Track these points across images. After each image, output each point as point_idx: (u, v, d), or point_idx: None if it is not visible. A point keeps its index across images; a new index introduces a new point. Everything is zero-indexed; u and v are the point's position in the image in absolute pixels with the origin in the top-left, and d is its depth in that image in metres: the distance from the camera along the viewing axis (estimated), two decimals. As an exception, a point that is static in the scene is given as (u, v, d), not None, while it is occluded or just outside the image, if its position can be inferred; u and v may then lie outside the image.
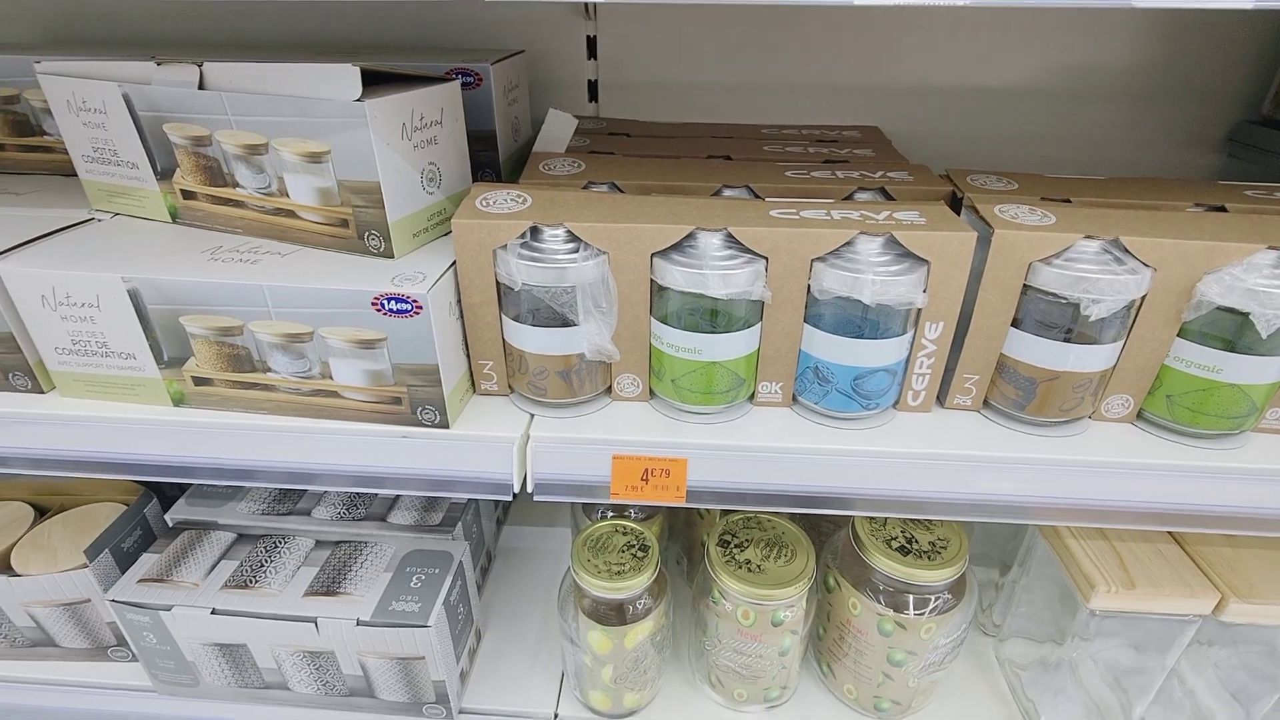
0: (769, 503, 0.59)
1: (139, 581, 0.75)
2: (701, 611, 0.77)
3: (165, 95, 0.58)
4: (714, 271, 0.53)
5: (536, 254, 0.55)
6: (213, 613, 0.72)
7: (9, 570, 0.78)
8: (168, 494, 0.88)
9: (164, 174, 0.63)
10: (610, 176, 0.67)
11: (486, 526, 0.97)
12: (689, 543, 0.94)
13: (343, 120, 0.53)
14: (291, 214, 0.60)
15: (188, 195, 0.63)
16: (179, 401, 0.61)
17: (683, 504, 0.58)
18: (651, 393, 0.63)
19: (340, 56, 0.73)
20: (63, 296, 0.57)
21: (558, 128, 0.70)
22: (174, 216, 0.66)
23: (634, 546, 0.73)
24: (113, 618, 0.80)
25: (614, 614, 0.71)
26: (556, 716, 0.80)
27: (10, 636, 0.82)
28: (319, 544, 0.81)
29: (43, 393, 0.63)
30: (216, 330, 0.57)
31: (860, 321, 0.56)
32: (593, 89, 0.92)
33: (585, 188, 0.66)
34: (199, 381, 0.60)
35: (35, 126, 0.78)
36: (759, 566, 0.72)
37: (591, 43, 0.90)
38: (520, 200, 0.59)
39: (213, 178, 0.61)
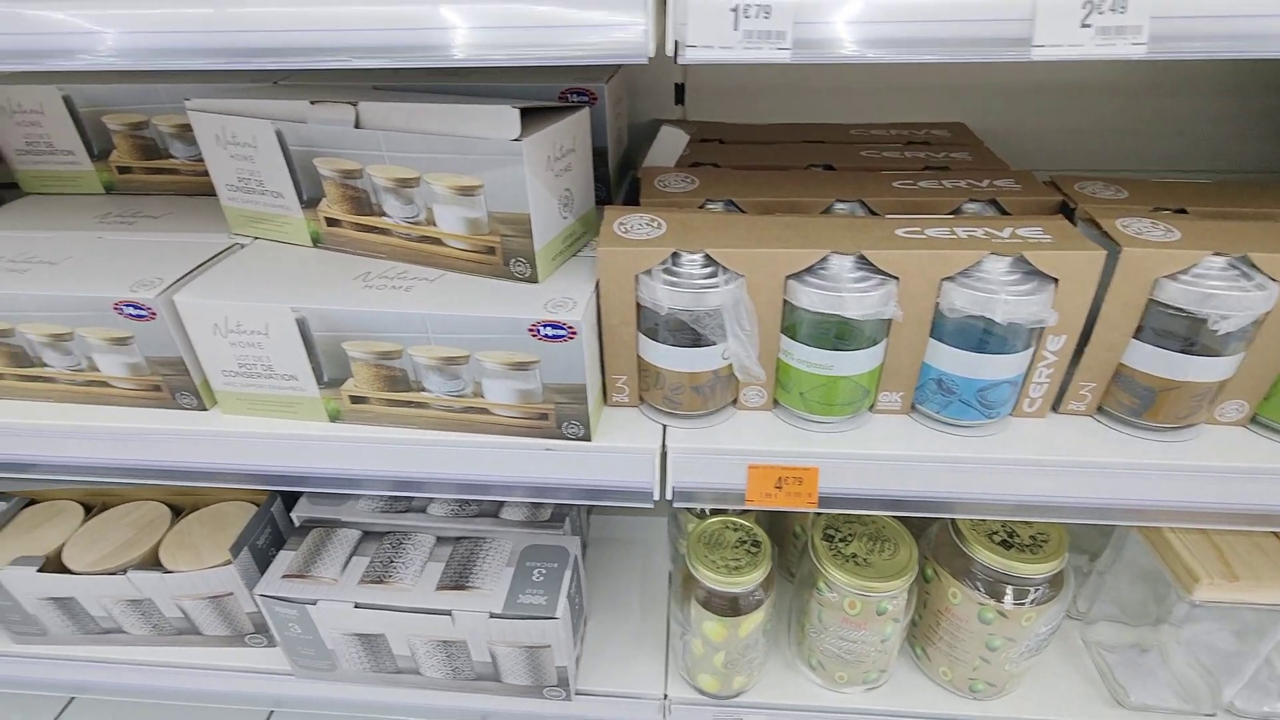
0: (894, 507, 0.63)
1: (283, 577, 0.81)
2: (805, 601, 0.81)
3: (320, 132, 0.61)
4: (850, 294, 0.56)
5: (678, 279, 0.58)
6: (355, 606, 0.78)
7: (159, 566, 0.84)
8: (285, 494, 0.94)
9: (309, 203, 0.67)
10: (725, 193, 0.69)
11: (583, 518, 1.02)
12: (780, 533, 0.98)
13: (498, 157, 0.56)
14: (438, 241, 0.63)
15: (332, 222, 0.67)
16: (335, 418, 0.66)
17: (814, 509, 0.62)
18: (775, 402, 0.66)
19: (445, 77, 0.76)
20: (233, 325, 0.61)
21: (670, 144, 0.73)
22: (315, 241, 0.69)
23: (746, 542, 0.77)
24: (252, 608, 0.86)
25: (730, 605, 0.76)
26: (666, 697, 0.85)
27: (159, 625, 0.89)
28: (439, 540, 0.86)
29: (205, 410, 0.68)
30: (377, 354, 0.61)
31: (986, 336, 0.59)
32: (679, 92, 0.94)
33: (702, 206, 0.68)
34: (356, 400, 0.64)
35: (162, 150, 0.82)
36: (865, 560, 0.76)
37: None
38: (655, 225, 0.61)
39: (359, 207, 0.64)
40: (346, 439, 0.65)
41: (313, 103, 0.61)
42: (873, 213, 0.68)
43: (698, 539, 0.78)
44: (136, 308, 0.62)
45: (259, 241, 0.72)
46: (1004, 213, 0.68)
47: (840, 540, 0.79)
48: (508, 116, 0.54)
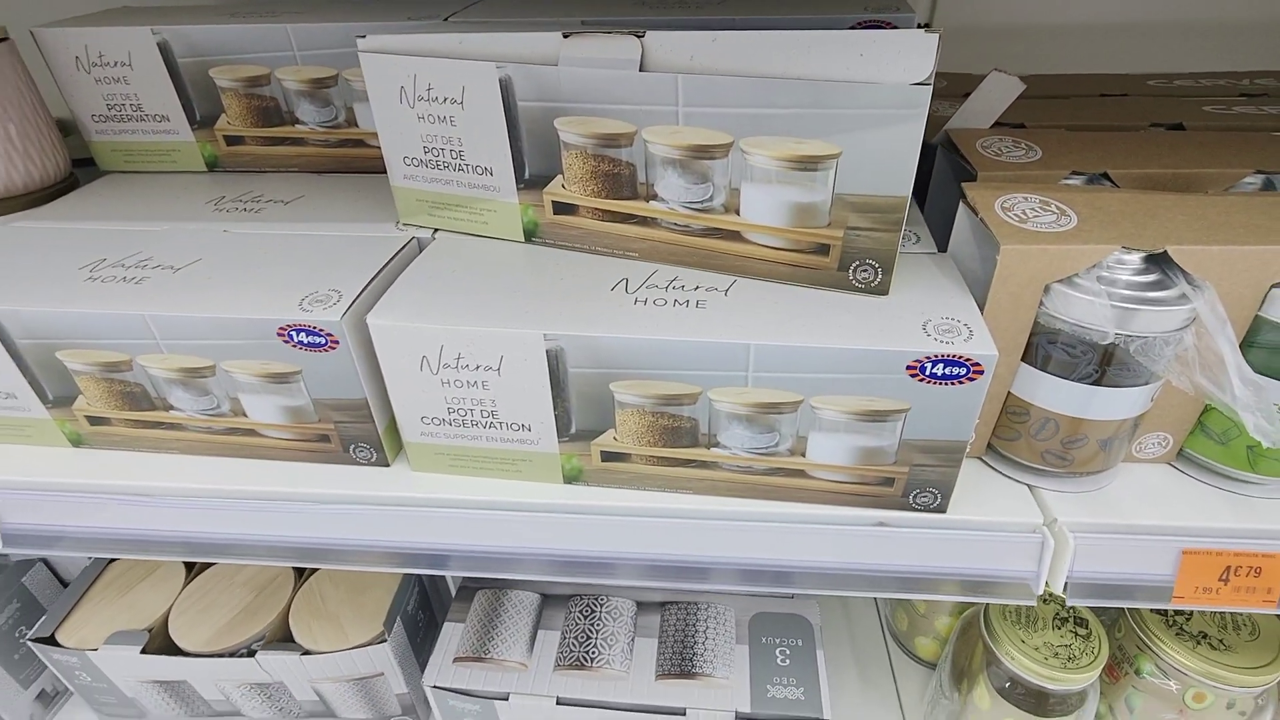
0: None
1: (456, 660, 0.64)
2: (1110, 683, 0.64)
3: (577, 79, 0.42)
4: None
5: (1124, 290, 0.40)
6: (558, 703, 0.61)
7: (292, 643, 0.67)
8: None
9: (532, 182, 0.48)
10: (1087, 164, 0.51)
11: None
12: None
13: (883, 111, 0.37)
14: (735, 236, 0.45)
15: (562, 209, 0.49)
16: (574, 479, 0.48)
17: (1274, 610, 0.44)
18: (1180, 452, 0.48)
19: (688, 9, 0.57)
20: (452, 358, 0.43)
21: (996, 95, 0.53)
22: (530, 234, 0.51)
23: (1067, 620, 0.60)
24: (403, 689, 0.70)
25: (1046, 702, 0.59)
26: (922, 796, 0.69)
27: (286, 709, 0.72)
28: (641, 606, 0.69)
29: (387, 466, 0.50)
30: (660, 399, 0.43)
31: None
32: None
33: (1065, 179, 0.50)
34: (609, 457, 0.46)
35: (286, 114, 0.63)
36: (1220, 642, 0.59)
37: (932, -23, 0.72)
38: (1058, 210, 0.43)
39: (615, 186, 0.46)
40: (594, 509, 0.47)
41: (567, 35, 0.42)
42: (1302, 188, 0.49)
43: (1003, 617, 0.60)
44: (311, 333, 0.44)
45: (443, 235, 0.53)
46: None
47: (1177, 614, 0.61)
48: (916, 45, 0.35)
